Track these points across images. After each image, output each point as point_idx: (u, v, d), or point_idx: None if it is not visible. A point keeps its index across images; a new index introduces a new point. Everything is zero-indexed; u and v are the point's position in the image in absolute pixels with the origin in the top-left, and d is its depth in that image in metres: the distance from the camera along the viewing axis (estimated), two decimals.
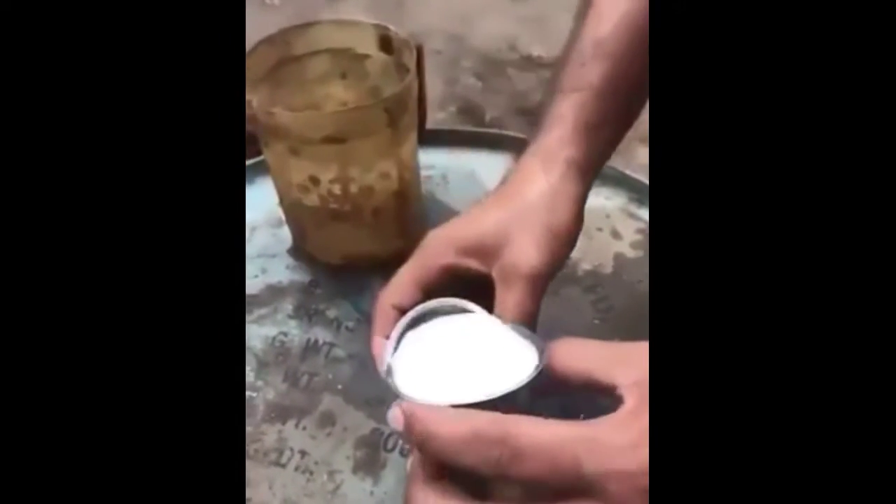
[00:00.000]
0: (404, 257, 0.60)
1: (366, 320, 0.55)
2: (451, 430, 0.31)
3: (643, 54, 0.41)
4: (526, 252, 0.38)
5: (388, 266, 0.60)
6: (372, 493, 0.46)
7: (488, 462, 0.29)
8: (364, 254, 0.58)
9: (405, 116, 0.51)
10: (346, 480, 0.46)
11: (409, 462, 0.38)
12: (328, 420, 0.50)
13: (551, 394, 0.35)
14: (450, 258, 0.40)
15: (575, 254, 0.59)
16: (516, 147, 0.70)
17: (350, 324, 0.55)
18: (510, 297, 0.38)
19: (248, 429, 0.49)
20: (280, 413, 0.50)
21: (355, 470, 0.47)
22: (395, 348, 0.38)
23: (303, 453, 0.48)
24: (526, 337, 0.36)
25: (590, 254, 0.60)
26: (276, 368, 0.53)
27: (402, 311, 0.39)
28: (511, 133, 0.71)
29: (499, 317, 0.38)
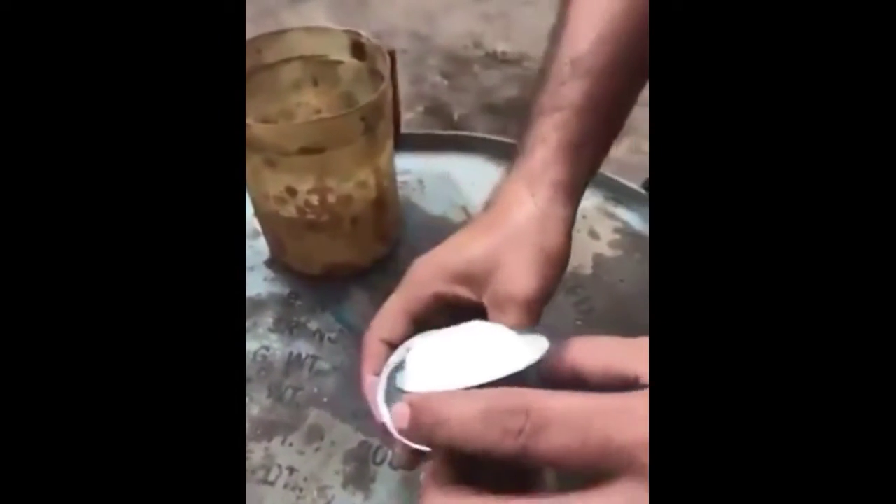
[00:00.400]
0: (384, 264, 0.60)
1: (348, 331, 0.55)
2: (465, 408, 0.28)
3: (622, 71, 0.41)
4: (518, 277, 0.38)
5: (367, 274, 0.59)
6: None
7: (510, 435, 0.27)
8: (343, 263, 0.57)
9: (381, 124, 0.51)
10: (336, 496, 0.46)
11: (422, 475, 0.36)
12: (316, 435, 0.49)
13: (569, 391, 0.34)
14: (439, 286, 0.39)
15: None
16: (489, 149, 0.70)
17: (332, 335, 0.55)
18: (505, 323, 0.37)
19: None
20: (266, 429, 0.49)
21: (345, 484, 0.46)
22: (387, 387, 0.37)
23: (291, 470, 0.47)
24: (531, 330, 0.36)
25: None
26: (259, 384, 0.52)
27: (392, 346, 0.38)
28: (484, 135, 0.70)
29: None
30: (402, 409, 0.30)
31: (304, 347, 0.54)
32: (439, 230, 0.60)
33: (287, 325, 0.55)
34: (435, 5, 2.30)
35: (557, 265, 0.39)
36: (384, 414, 0.35)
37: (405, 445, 0.34)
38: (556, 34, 0.44)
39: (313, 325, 0.55)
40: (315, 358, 0.53)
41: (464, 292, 0.39)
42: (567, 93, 0.41)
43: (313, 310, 0.56)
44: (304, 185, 0.51)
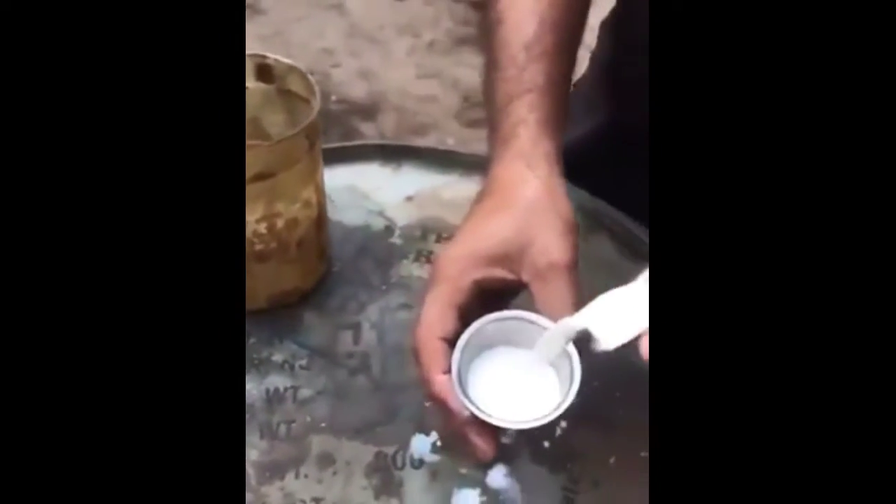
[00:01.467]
0: (325, 284, 0.59)
1: (318, 355, 0.54)
2: None
3: (567, 51, 0.46)
4: (555, 247, 0.40)
5: (311, 296, 0.58)
6: None
7: None
8: (289, 290, 0.56)
9: (318, 140, 0.51)
10: None
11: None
12: (327, 460, 0.48)
13: None
14: (480, 272, 0.40)
15: None
16: (380, 154, 0.71)
17: (302, 362, 0.53)
18: (554, 293, 0.40)
19: (249, 497, 0.46)
20: (273, 469, 0.47)
21: (377, 496, 0.46)
22: (461, 379, 0.39)
23: (316, 500, 0.46)
24: (567, 360, 0.40)
25: None
26: (248, 428, 0.49)
27: (449, 341, 0.39)
28: (374, 141, 0.72)
29: (548, 315, 0.40)
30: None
31: (278, 381, 0.52)
32: (366, 240, 0.61)
33: (251, 365, 0.53)
34: None
35: (575, 229, 0.42)
36: (468, 405, 0.38)
37: (490, 433, 0.39)
38: (491, 31, 0.47)
39: (278, 357, 0.54)
40: (295, 388, 0.52)
41: (503, 273, 0.41)
42: (530, 76, 0.44)
43: (271, 342, 0.55)
44: (254, 215, 0.49)
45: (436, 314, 0.40)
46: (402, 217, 0.63)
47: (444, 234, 0.61)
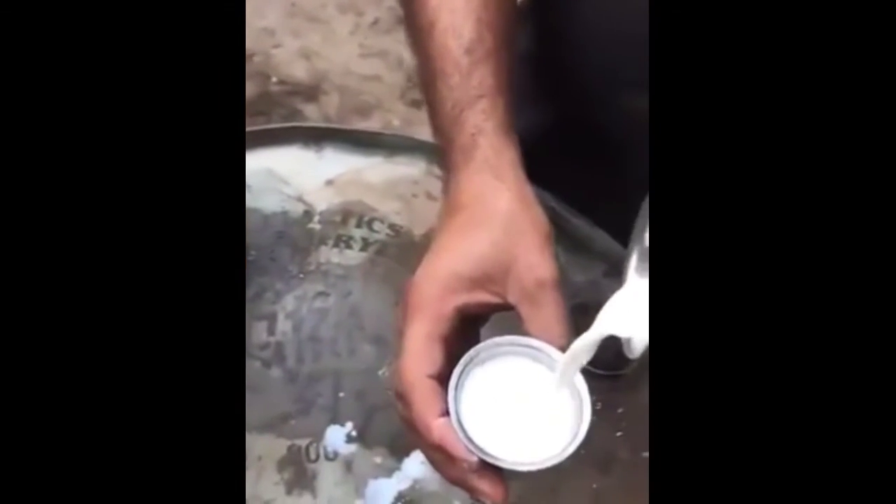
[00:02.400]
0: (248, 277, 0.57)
1: None
2: None
3: (509, 46, 0.43)
4: (538, 262, 0.36)
5: None
6: None
7: None
8: None
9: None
10: None
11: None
12: None
13: None
14: (462, 297, 0.36)
15: (403, 222, 0.61)
16: (301, 136, 0.69)
17: None
18: (546, 314, 0.36)
19: None
20: None
21: (290, 491, 0.45)
22: (459, 421, 0.34)
23: None
24: (574, 390, 0.36)
25: (417, 220, 0.62)
26: None
27: (439, 379, 0.35)
28: (293, 124, 0.70)
29: (542, 337, 0.36)
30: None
31: None
32: (284, 226, 0.59)
33: None
34: None
35: (552, 239, 0.39)
36: (474, 450, 0.33)
37: (498, 474, 0.35)
38: (424, 37, 0.43)
39: None
40: None
41: (486, 297, 0.37)
42: (477, 81, 0.42)
43: None
44: None
45: (421, 349, 0.35)
46: (322, 201, 0.61)
47: (364, 218, 0.60)
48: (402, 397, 0.35)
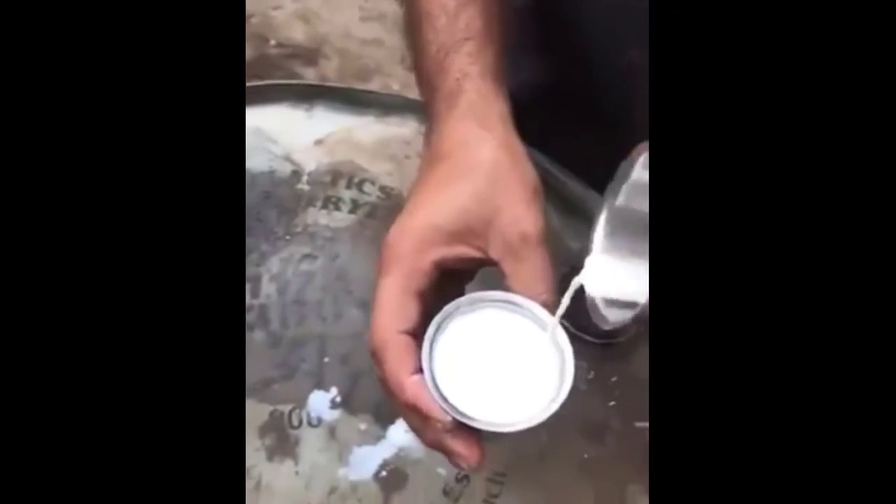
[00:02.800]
0: None
1: None
2: None
3: None
4: (524, 217, 0.34)
5: None
6: (297, 472, 0.44)
7: None
8: None
9: None
10: (264, 472, 0.43)
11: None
12: None
13: None
14: (440, 251, 0.34)
15: (394, 184, 0.59)
16: (290, 94, 0.67)
17: None
18: (528, 269, 0.34)
19: None
20: None
21: (271, 457, 0.44)
22: (433, 378, 0.33)
23: None
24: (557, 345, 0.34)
25: (409, 181, 0.60)
26: None
27: (413, 335, 0.33)
28: (281, 81, 0.68)
29: (525, 294, 0.34)
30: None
31: None
32: (271, 186, 0.57)
33: None
34: None
35: (540, 195, 0.36)
36: (449, 409, 0.32)
37: (474, 436, 0.33)
38: None
39: None
40: None
41: (467, 251, 0.35)
42: (464, 22, 0.39)
43: None
44: None
45: (394, 304, 0.33)
46: (311, 161, 0.59)
47: (354, 179, 0.58)
48: (374, 354, 0.34)
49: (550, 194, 0.55)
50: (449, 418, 0.32)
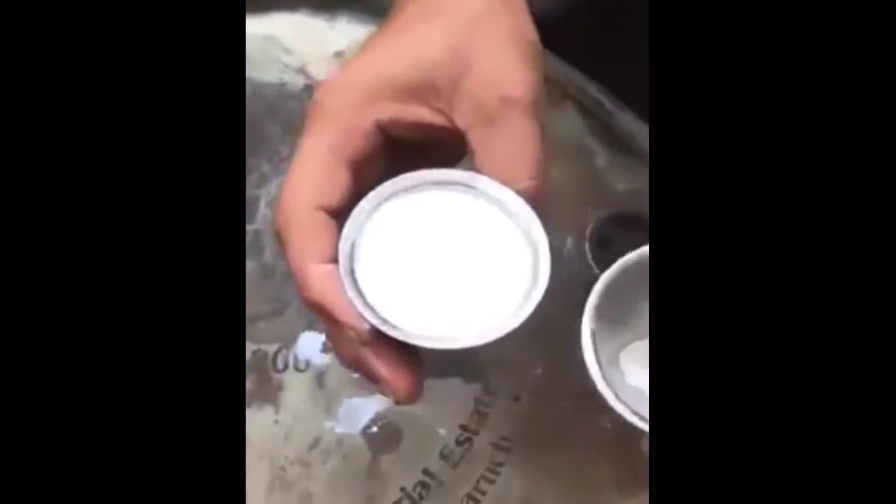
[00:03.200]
0: None
1: None
2: None
3: None
4: (507, 71, 0.26)
5: None
6: (277, 421, 0.39)
7: None
8: None
9: None
10: None
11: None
12: None
13: None
14: (387, 109, 0.26)
15: None
16: (313, 2, 0.61)
17: None
18: (505, 142, 0.26)
19: None
20: None
21: (249, 402, 0.39)
22: (353, 271, 0.25)
23: None
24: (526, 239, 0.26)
25: None
26: None
27: (335, 213, 0.26)
28: None
29: (493, 175, 0.26)
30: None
31: None
32: (279, 100, 0.52)
33: None
34: None
35: (539, 55, 0.28)
36: (366, 312, 0.24)
37: (404, 356, 0.25)
38: None
39: None
40: None
41: (424, 113, 0.27)
42: None
43: None
44: None
45: (315, 169, 0.26)
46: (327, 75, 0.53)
47: None
48: (278, 234, 0.26)
49: (598, 127, 0.49)
50: (366, 326, 0.24)
